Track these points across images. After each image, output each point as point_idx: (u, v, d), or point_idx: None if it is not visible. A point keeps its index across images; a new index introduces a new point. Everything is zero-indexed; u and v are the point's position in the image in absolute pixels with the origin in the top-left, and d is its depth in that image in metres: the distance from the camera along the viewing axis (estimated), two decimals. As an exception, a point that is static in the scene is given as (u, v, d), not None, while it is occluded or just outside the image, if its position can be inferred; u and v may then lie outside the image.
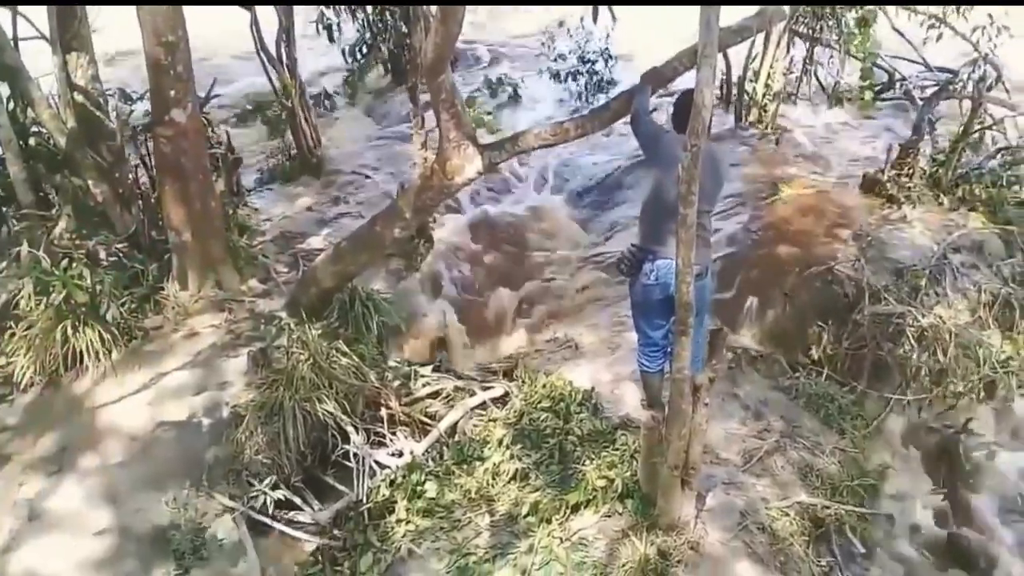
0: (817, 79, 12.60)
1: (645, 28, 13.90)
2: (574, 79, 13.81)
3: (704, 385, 4.56)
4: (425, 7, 8.09)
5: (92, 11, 7.18)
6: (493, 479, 5.55)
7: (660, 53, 5.37)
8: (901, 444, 6.46)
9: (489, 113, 12.68)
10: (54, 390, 6.16)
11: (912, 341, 6.79)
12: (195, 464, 5.62)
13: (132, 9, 6.33)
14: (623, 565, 4.76)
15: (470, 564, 4.99)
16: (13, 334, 6.22)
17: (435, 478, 5.66)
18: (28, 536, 5.13)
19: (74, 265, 6.35)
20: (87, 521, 5.22)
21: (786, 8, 7.79)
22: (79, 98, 7.04)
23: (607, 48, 13.94)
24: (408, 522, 5.36)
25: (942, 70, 11.51)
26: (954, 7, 9.97)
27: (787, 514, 5.26)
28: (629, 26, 12.56)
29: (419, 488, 5.57)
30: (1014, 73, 10.71)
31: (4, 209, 7.36)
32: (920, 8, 10.22)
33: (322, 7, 11.82)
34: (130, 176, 7.31)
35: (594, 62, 13.99)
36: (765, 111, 11.41)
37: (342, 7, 12.17)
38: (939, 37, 10.32)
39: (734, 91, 12.18)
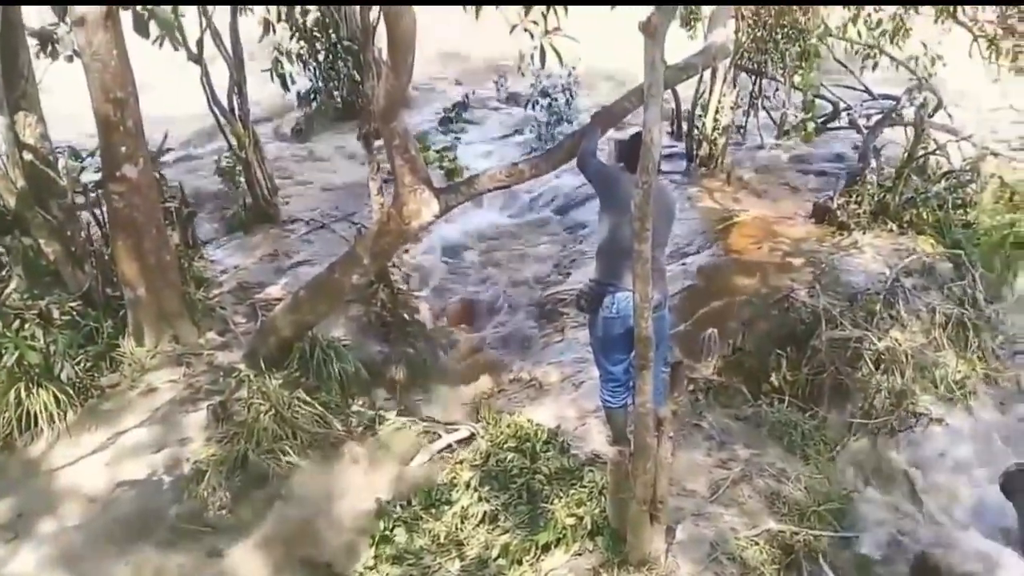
0: (766, 111, 12.90)
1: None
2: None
3: (667, 418, 4.59)
4: (375, 55, 8.14)
5: (38, 71, 7.14)
6: (462, 523, 5.50)
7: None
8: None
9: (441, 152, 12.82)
10: (8, 454, 5.99)
11: (870, 364, 6.90)
12: (157, 522, 5.48)
13: (78, 69, 6.32)
14: (596, 603, 4.74)
15: (442, 611, 4.94)
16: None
17: (403, 524, 5.59)
18: (-16, 607, 4.98)
19: (27, 326, 6.24)
20: (45, 588, 5.08)
21: (730, 45, 7.95)
22: (28, 157, 6.96)
23: (569, 81, 13.79)
24: (375, 569, 5.28)
25: (885, 97, 11.86)
26: (889, 36, 10.32)
27: (756, 543, 5.26)
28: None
29: (387, 535, 5.50)
30: (955, 99, 11.04)
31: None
32: (858, 40, 10.56)
33: (277, 55, 11.86)
34: (82, 233, 7.21)
35: (554, 98, 13.91)
36: (715, 145, 11.64)
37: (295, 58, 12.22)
38: (875, 66, 10.68)
39: (684, 127, 12.43)
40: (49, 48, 7.45)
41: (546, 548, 5.15)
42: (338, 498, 5.86)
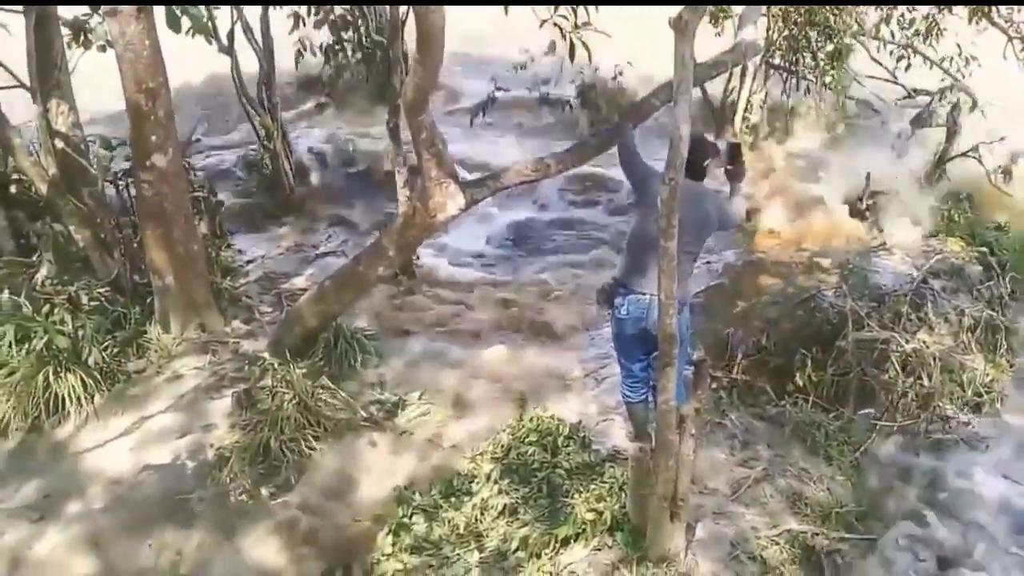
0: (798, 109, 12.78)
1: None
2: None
3: (690, 416, 4.57)
4: (404, 49, 8.16)
5: (70, 63, 7.23)
6: (481, 514, 5.51)
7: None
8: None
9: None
10: (36, 436, 6.09)
11: (897, 366, 6.83)
12: (179, 506, 5.54)
13: (111, 62, 6.39)
14: (614, 599, 4.73)
15: (460, 603, 4.95)
16: (-4, 381, 6.17)
17: (423, 512, 5.61)
18: (10, 586, 5.06)
19: (56, 311, 6.33)
20: (69, 568, 5.14)
21: (760, 42, 7.90)
22: (60, 145, 7.05)
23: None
24: (394, 556, 5.30)
25: (920, 92, 11.63)
26: (923, 36, 10.21)
27: (777, 543, 5.23)
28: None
29: (406, 522, 5.52)
30: (989, 100, 10.87)
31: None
32: (891, 41, 10.45)
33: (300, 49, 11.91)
34: (111, 221, 7.30)
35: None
36: (745, 141, 11.56)
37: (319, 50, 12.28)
38: (908, 67, 10.56)
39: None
40: (82, 38, 7.54)
41: (565, 542, 5.14)
42: (357, 484, 5.90)
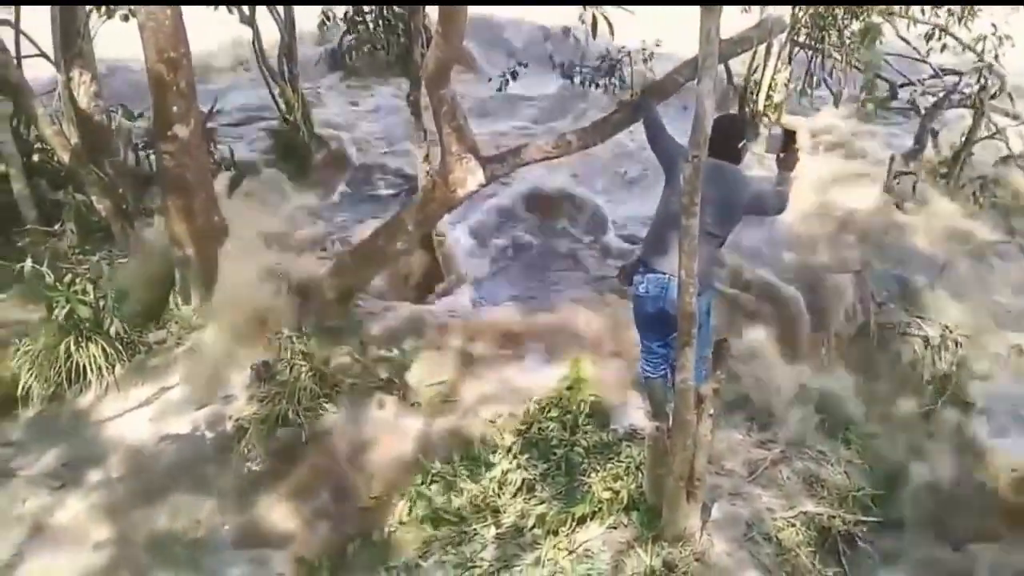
0: (827, 85, 12.58)
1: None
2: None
3: (708, 396, 4.55)
4: (425, 22, 8.10)
5: (92, 24, 7.22)
6: (499, 488, 5.53)
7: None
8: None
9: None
10: (58, 405, 6.15)
11: (918, 350, 6.78)
12: (196, 474, 5.61)
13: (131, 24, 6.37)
14: (629, 577, 4.74)
15: (475, 577, 4.97)
16: (18, 349, 6.22)
17: (441, 479, 5.63)
18: (31, 551, 5.11)
19: (78, 280, 6.37)
20: (88, 534, 5.21)
21: (786, 18, 7.77)
22: (83, 114, 7.07)
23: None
24: (410, 524, 5.34)
25: (948, 72, 11.40)
26: (957, 16, 10.00)
27: (793, 524, 5.22)
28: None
29: (423, 490, 5.55)
30: (1019, 81, 10.67)
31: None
32: (922, 18, 10.26)
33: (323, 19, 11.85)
34: (133, 191, 7.32)
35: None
36: (769, 119, 11.42)
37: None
38: (943, 48, 10.36)
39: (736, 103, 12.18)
40: (104, 8, 7.53)
41: (582, 520, 5.15)
42: (370, 450, 5.93)
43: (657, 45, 11.17)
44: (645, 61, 11.08)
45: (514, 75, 8.75)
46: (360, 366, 6.34)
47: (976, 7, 10.08)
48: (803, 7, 10.70)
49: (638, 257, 5.24)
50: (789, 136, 5.11)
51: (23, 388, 6.07)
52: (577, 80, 9.86)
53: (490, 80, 11.77)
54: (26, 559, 5.07)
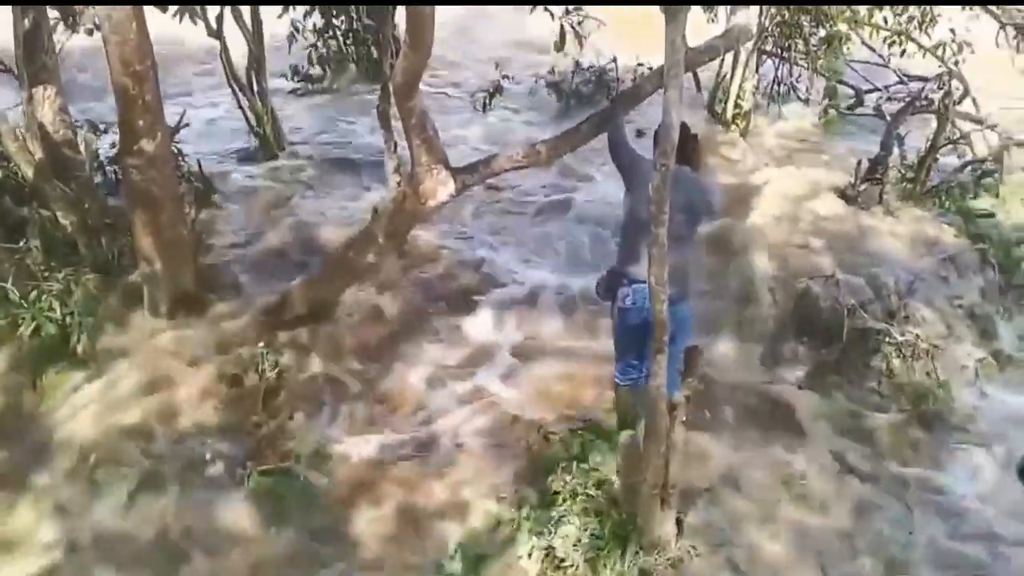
0: (794, 92, 12.74)
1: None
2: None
3: (680, 403, 4.56)
4: (394, 32, 8.11)
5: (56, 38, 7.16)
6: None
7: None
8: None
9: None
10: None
11: (890, 356, 6.81)
12: (152, 474, 5.57)
13: (96, 40, 6.31)
14: (604, 585, 4.72)
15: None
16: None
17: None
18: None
19: (44, 298, 6.27)
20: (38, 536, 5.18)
21: (752, 27, 7.83)
22: (47, 129, 6.99)
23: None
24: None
25: (913, 78, 11.54)
26: (918, 21, 10.16)
27: (770, 528, 5.26)
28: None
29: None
30: (981, 87, 10.83)
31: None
32: (884, 27, 10.40)
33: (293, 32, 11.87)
34: (99, 207, 7.23)
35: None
36: (737, 127, 11.53)
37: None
38: (902, 52, 10.52)
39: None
40: (70, 20, 7.46)
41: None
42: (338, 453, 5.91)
43: (640, 63, 11.31)
44: (635, 78, 11.24)
45: (500, 90, 8.77)
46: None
47: (936, 13, 10.22)
48: (768, 16, 10.81)
49: (614, 269, 5.24)
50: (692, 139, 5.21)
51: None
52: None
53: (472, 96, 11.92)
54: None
